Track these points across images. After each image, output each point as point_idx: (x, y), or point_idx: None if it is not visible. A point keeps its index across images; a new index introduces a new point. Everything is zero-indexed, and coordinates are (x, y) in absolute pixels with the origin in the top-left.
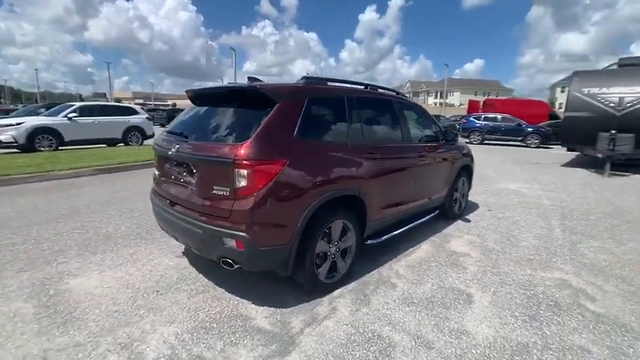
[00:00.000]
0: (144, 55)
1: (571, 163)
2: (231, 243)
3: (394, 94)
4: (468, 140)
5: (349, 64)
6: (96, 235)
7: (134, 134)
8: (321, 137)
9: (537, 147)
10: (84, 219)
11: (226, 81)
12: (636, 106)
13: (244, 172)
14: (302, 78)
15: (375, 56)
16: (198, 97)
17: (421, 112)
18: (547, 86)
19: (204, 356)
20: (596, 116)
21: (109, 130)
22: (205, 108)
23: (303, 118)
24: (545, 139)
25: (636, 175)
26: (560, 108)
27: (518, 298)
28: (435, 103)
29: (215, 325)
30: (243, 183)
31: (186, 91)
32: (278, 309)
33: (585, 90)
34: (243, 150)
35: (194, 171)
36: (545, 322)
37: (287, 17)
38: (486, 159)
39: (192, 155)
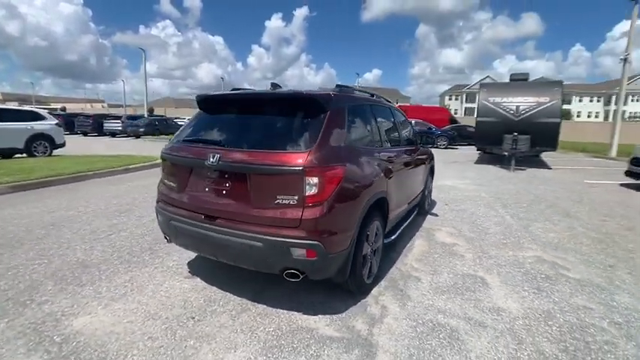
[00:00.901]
0: (13, 50)
1: (481, 161)
2: (301, 252)
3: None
4: None
5: (257, 69)
6: (66, 265)
7: (40, 143)
8: (359, 143)
9: (446, 148)
10: (35, 247)
11: (137, 81)
12: (529, 113)
13: (314, 179)
14: (336, 86)
15: (283, 63)
16: (225, 103)
17: (404, 117)
18: (434, 94)
19: None
20: (500, 121)
21: (5, 138)
22: (239, 114)
23: (347, 125)
24: (452, 141)
25: (531, 169)
26: (456, 113)
27: (518, 275)
28: None
29: (284, 342)
30: (313, 190)
31: (206, 97)
32: (333, 315)
33: (491, 99)
34: (310, 157)
35: (248, 181)
36: (549, 292)
37: (190, 19)
38: None
39: (247, 165)
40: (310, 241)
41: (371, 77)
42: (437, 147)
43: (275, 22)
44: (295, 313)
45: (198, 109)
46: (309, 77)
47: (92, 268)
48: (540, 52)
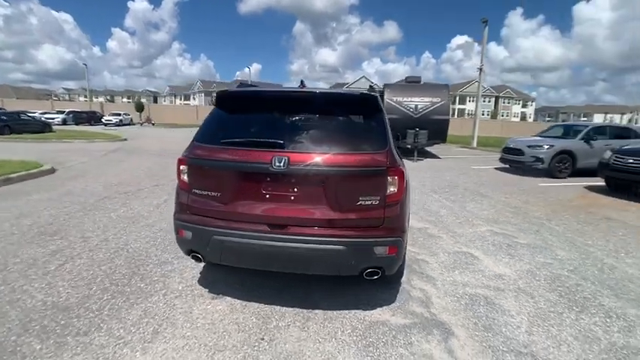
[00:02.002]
0: None
1: None
2: (383, 250)
3: None
4: None
5: (120, 55)
6: (35, 313)
7: None
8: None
9: None
10: None
11: None
12: (425, 111)
13: (394, 178)
14: (369, 87)
15: (152, 50)
16: (269, 101)
17: None
18: None
19: None
20: (403, 118)
21: None
22: (289, 114)
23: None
24: None
25: (427, 159)
26: None
27: (490, 247)
28: None
29: (372, 339)
30: (392, 189)
31: (240, 93)
32: (390, 305)
33: (394, 98)
34: (388, 157)
35: (323, 184)
36: (518, 256)
37: None
38: None
39: (326, 168)
40: (392, 238)
41: (252, 71)
42: None
43: (140, 4)
44: (355, 311)
45: (214, 106)
46: (184, 68)
47: (77, 310)
48: (399, 57)
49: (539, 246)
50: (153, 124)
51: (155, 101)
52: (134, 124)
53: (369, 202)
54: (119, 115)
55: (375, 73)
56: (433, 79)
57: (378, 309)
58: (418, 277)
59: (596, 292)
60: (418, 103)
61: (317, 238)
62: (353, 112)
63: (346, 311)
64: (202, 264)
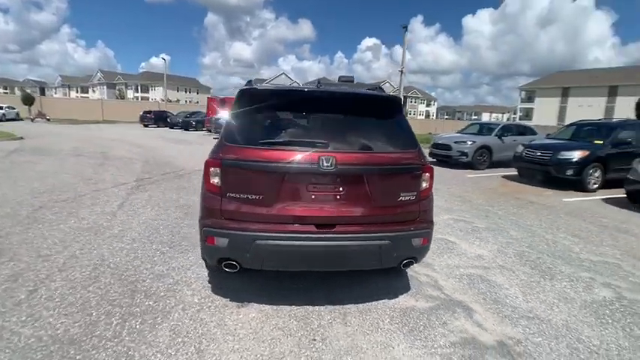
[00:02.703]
0: None
1: None
2: (419, 241)
3: None
4: None
5: None
6: (38, 346)
7: None
8: None
9: None
10: None
11: None
12: None
13: (426, 175)
14: (379, 87)
15: (35, 33)
16: (302, 100)
17: None
18: (229, 86)
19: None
20: None
21: None
22: (323, 113)
23: None
24: None
25: None
26: None
27: (460, 232)
28: (137, 98)
29: (412, 324)
30: (425, 185)
31: (271, 92)
32: (409, 292)
33: None
34: (420, 155)
35: (367, 183)
36: (484, 238)
37: None
38: None
39: (370, 167)
40: (426, 230)
41: (158, 62)
42: None
43: None
44: (382, 301)
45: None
46: (78, 56)
47: (89, 341)
48: (314, 55)
49: (496, 229)
50: (48, 120)
51: (43, 93)
52: (21, 120)
53: (408, 198)
54: (1, 108)
55: (291, 69)
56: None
57: (401, 297)
58: (418, 264)
59: (554, 263)
60: None
61: (364, 235)
62: (381, 113)
63: (374, 302)
64: (204, 272)
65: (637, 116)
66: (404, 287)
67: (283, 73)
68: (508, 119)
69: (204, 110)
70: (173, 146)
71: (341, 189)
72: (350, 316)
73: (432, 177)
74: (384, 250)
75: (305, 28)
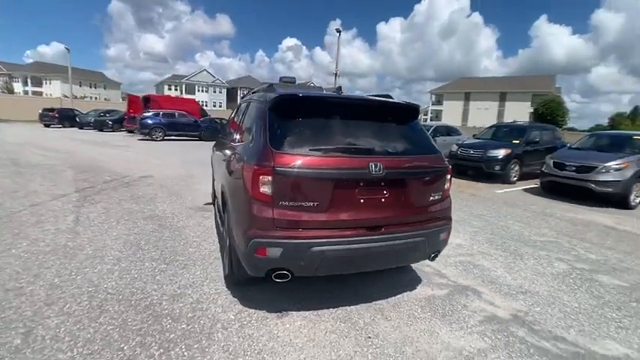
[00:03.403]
0: None
1: None
2: (444, 236)
3: None
4: (150, 137)
5: None
6: None
7: None
8: None
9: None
10: None
11: None
12: None
13: (448, 176)
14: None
15: None
16: (338, 108)
17: None
18: (138, 81)
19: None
20: None
21: None
22: (358, 120)
23: None
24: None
25: None
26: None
27: None
28: (27, 92)
29: (441, 310)
30: (447, 185)
31: (308, 97)
32: (422, 282)
33: None
34: (444, 158)
35: (407, 185)
36: (459, 229)
37: None
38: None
39: (411, 170)
40: (448, 225)
41: (49, 51)
42: (153, 139)
43: None
44: (406, 293)
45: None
46: None
47: None
48: (234, 52)
49: (459, 220)
50: None
51: None
52: None
53: (436, 197)
54: None
55: (210, 65)
56: (267, 78)
57: (418, 287)
58: None
59: (517, 245)
60: None
61: (406, 233)
62: (406, 120)
63: (399, 296)
64: (221, 287)
65: (535, 119)
66: (415, 279)
67: (205, 70)
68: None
69: (121, 108)
70: (97, 149)
71: (385, 192)
72: (387, 312)
73: (451, 177)
74: (421, 246)
75: (224, 24)
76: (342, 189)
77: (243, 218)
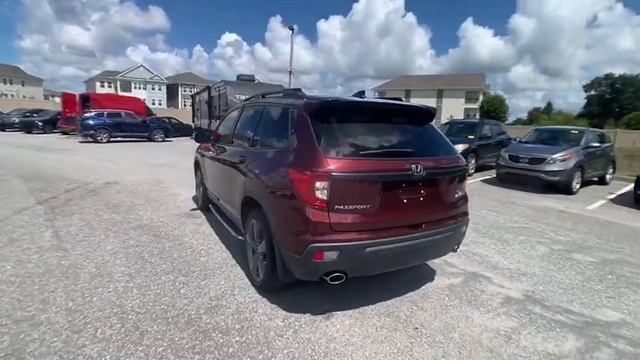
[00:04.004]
0: None
1: None
2: (464, 229)
3: None
4: (93, 139)
5: None
6: None
7: None
8: None
9: (163, 141)
10: None
11: None
12: None
13: (466, 174)
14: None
15: None
16: (370, 111)
17: None
18: (60, 77)
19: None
20: None
21: None
22: (391, 124)
23: None
24: (169, 133)
25: None
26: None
27: None
28: None
29: (464, 296)
30: (465, 182)
31: (346, 103)
32: (437, 273)
33: (237, 96)
34: (462, 158)
35: (439, 184)
36: None
37: None
38: (182, 160)
39: (443, 170)
40: (467, 218)
41: None
42: (155, 140)
43: None
44: (427, 283)
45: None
46: None
47: None
48: (170, 47)
49: None
50: None
51: None
52: None
53: (459, 194)
54: None
55: (144, 61)
56: (207, 74)
57: (436, 278)
58: None
59: (499, 232)
60: None
61: (440, 229)
62: (424, 123)
63: (423, 287)
64: (254, 294)
65: (481, 116)
66: (430, 270)
67: (142, 65)
68: None
69: (49, 107)
70: (38, 154)
71: (423, 191)
72: (419, 303)
73: (467, 175)
74: (451, 240)
75: (157, 17)
76: (389, 190)
77: (295, 224)
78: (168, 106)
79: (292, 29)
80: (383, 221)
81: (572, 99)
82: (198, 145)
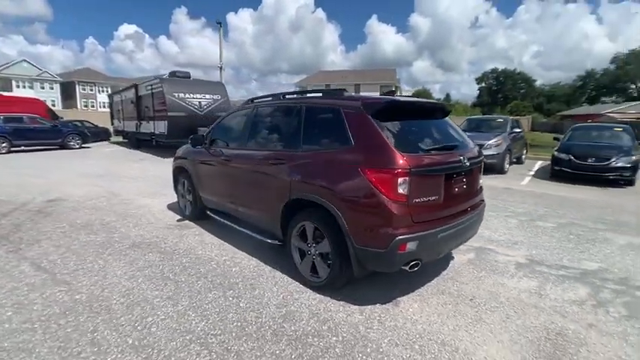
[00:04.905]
0: None
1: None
2: (484, 211)
3: None
4: None
5: None
6: None
7: None
8: None
9: (80, 147)
10: None
11: None
12: (209, 108)
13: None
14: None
15: None
16: (416, 110)
17: None
18: None
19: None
20: (190, 115)
21: None
22: (428, 120)
23: None
24: (87, 139)
25: None
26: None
27: None
28: None
29: (491, 266)
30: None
31: (390, 101)
32: (452, 263)
33: (176, 94)
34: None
35: (473, 172)
36: None
37: None
38: (126, 169)
39: (475, 160)
40: (484, 202)
41: None
42: (70, 147)
43: None
44: (453, 262)
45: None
46: None
47: None
48: (55, 39)
49: None
50: None
51: None
52: None
53: (480, 181)
54: None
55: (21, 54)
56: (105, 69)
57: (455, 256)
58: None
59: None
60: (201, 100)
61: (477, 212)
62: (445, 117)
63: (451, 265)
64: (310, 295)
65: None
66: (443, 260)
67: (24, 60)
68: None
69: None
70: None
71: (465, 179)
72: (457, 278)
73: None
74: (479, 220)
75: (34, 3)
76: (448, 180)
77: (376, 221)
78: (64, 108)
79: (220, 24)
80: (446, 208)
81: (464, 90)
82: (176, 153)
